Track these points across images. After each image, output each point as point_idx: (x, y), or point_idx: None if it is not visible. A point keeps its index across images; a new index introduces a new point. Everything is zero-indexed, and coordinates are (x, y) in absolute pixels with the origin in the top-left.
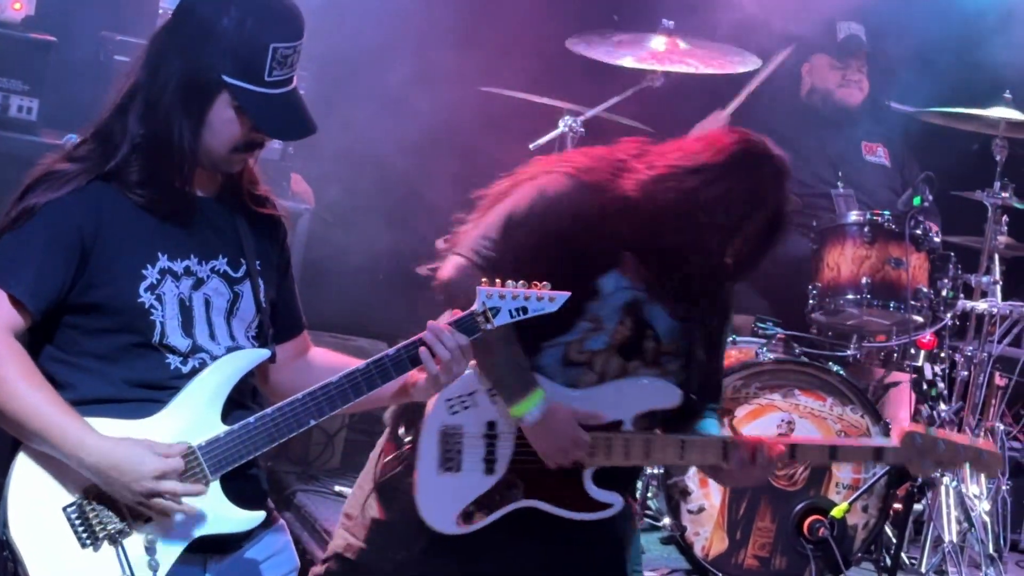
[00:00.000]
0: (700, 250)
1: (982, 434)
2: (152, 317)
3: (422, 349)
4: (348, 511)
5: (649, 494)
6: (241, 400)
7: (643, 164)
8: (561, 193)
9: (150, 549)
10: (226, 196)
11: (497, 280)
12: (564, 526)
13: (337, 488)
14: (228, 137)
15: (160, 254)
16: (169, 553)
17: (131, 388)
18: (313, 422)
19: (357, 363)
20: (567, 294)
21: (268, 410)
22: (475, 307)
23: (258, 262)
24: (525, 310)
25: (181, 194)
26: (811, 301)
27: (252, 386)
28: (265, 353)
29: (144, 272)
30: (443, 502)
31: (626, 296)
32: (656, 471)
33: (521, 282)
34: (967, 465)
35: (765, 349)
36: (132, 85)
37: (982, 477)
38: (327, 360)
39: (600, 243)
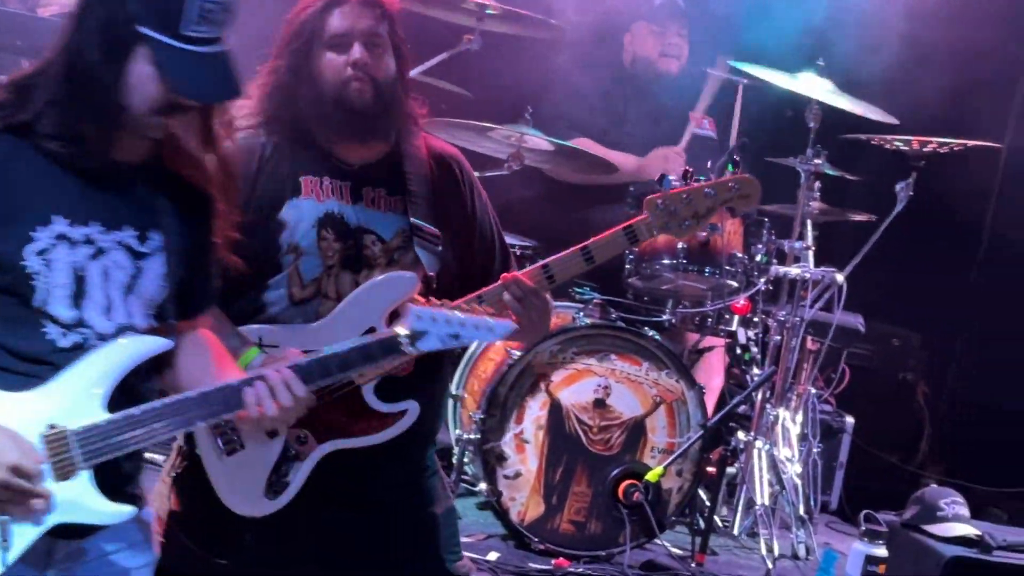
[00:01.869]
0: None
1: (795, 398)
2: (34, 282)
3: (247, 391)
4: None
5: (466, 459)
6: (135, 386)
7: None
8: None
9: (4, 530)
10: (152, 165)
11: (440, 301)
12: (372, 499)
13: (148, 455)
14: (147, 95)
15: (57, 217)
16: (25, 536)
17: (8, 356)
18: (201, 423)
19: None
20: (510, 324)
21: (156, 402)
22: (402, 327)
23: (171, 238)
24: (458, 337)
25: (97, 153)
26: (627, 266)
27: (151, 371)
28: (165, 344)
29: (33, 234)
30: (244, 484)
31: (317, 212)
32: (472, 437)
33: (463, 304)
34: (732, 204)
35: (582, 314)
36: (61, 37)
37: (794, 440)
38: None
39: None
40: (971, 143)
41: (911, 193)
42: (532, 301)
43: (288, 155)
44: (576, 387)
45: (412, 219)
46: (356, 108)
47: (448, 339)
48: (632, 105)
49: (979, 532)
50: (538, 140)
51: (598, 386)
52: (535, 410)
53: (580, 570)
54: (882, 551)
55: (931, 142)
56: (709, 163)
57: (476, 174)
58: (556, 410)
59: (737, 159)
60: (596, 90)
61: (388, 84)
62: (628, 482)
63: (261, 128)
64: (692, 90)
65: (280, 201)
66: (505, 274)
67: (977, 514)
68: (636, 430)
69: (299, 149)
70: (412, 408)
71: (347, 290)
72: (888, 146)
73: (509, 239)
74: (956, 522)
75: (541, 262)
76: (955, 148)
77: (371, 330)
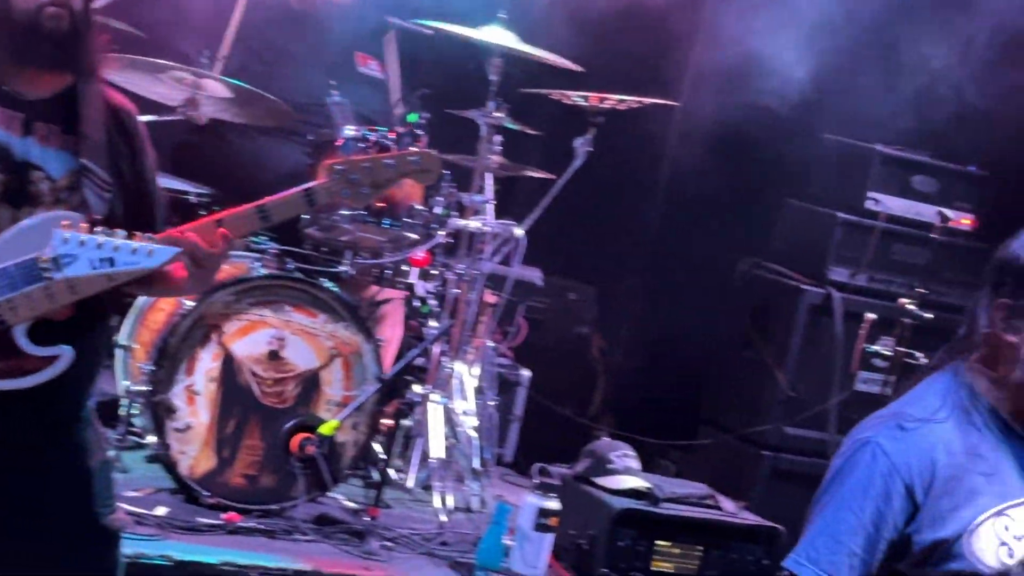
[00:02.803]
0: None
1: (472, 351)
2: None
3: None
4: None
5: (134, 411)
6: None
7: None
8: None
9: None
10: None
11: (84, 224)
12: (20, 446)
13: None
14: None
15: None
16: None
17: None
18: None
19: None
20: (174, 250)
21: None
22: (46, 251)
23: None
24: (112, 262)
25: None
26: (305, 216)
27: None
28: None
29: None
30: None
31: None
32: (141, 388)
33: (119, 230)
34: (412, 176)
35: (258, 264)
36: None
37: (470, 393)
38: None
39: None
40: (648, 100)
41: (590, 148)
42: (213, 257)
43: None
44: (250, 339)
45: (84, 161)
46: (49, 36)
47: (100, 263)
48: (296, 45)
49: (648, 484)
50: (215, 85)
51: (272, 338)
52: (207, 362)
53: (251, 524)
54: (554, 504)
55: (609, 98)
56: (396, 118)
57: (151, 117)
58: (229, 362)
59: (420, 110)
60: (266, 32)
61: (82, 13)
62: (302, 435)
63: None
64: (363, 34)
65: None
66: (172, 231)
67: (647, 466)
68: (311, 383)
69: None
70: (65, 353)
71: (5, 225)
72: (567, 101)
73: (183, 186)
74: (626, 475)
75: (213, 216)
76: (632, 105)
77: None
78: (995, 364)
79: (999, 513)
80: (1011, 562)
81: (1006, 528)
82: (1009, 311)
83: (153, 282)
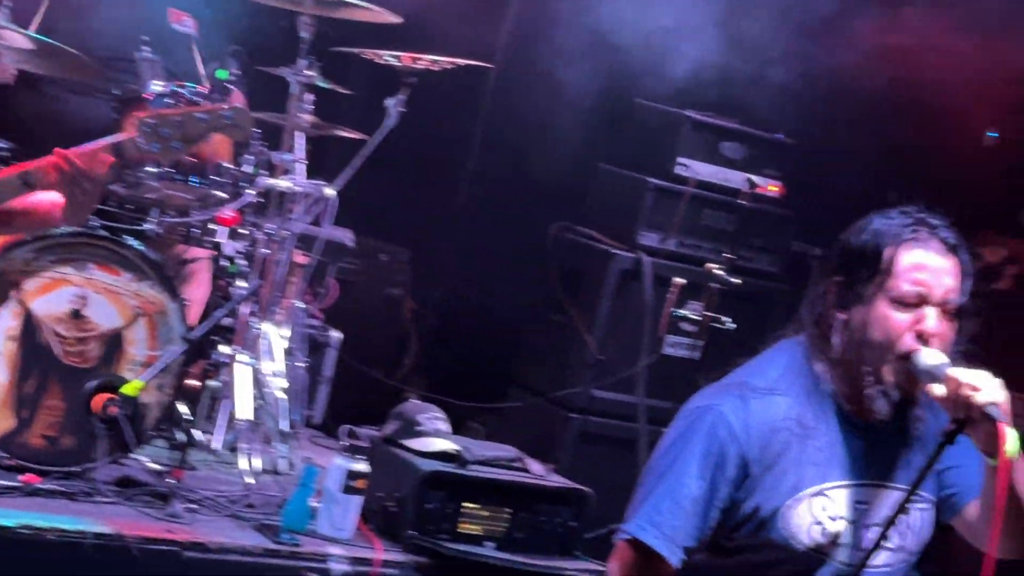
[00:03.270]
0: None
1: (281, 312)
2: None
3: None
4: None
5: None
6: None
7: None
8: None
9: None
10: None
11: None
12: None
13: None
14: None
15: None
16: None
17: None
18: None
19: None
20: None
21: None
22: None
23: None
24: None
25: None
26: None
27: None
28: None
29: None
30: None
31: None
32: None
33: None
34: (224, 131)
35: None
36: None
37: (278, 355)
38: None
39: None
40: (462, 62)
41: (402, 109)
42: (87, 181)
43: None
44: (51, 297)
45: None
46: None
47: None
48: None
49: (457, 447)
50: (15, 36)
51: (75, 296)
52: (6, 320)
53: (51, 486)
54: (363, 466)
55: (422, 59)
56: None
57: None
58: (29, 320)
59: (231, 67)
60: None
61: None
62: (105, 396)
63: None
64: None
65: None
66: (59, 150)
67: (457, 429)
68: (114, 342)
69: None
70: None
71: None
72: (380, 61)
73: None
74: (435, 437)
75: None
76: (446, 66)
77: None
78: (829, 343)
79: (819, 493)
80: (823, 541)
81: (823, 508)
82: (840, 289)
83: (11, 218)
